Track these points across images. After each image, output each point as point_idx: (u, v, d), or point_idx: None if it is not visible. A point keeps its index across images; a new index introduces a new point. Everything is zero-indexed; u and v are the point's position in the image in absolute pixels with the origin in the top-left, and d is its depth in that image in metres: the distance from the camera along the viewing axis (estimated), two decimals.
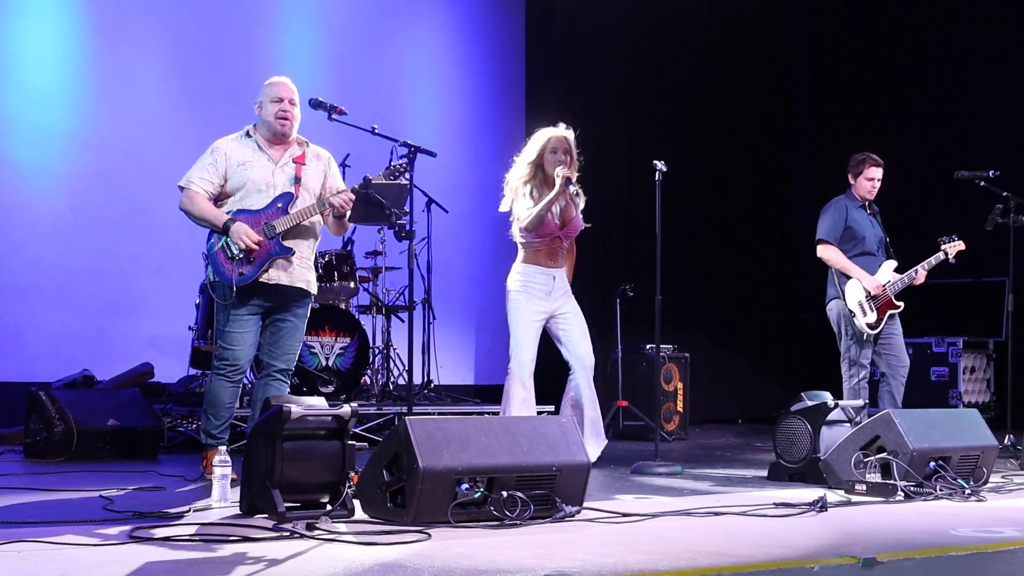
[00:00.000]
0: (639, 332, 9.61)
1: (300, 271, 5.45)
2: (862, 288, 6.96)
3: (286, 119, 5.40)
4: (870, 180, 7.09)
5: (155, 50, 9.31)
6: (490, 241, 10.98)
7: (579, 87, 11.11)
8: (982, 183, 7.19)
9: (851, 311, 6.94)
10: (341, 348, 7.91)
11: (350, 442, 4.30)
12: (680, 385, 8.88)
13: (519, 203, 5.97)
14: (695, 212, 11.13)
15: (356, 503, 4.29)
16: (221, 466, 4.58)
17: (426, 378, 8.75)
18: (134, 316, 9.00)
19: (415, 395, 8.41)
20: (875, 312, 6.96)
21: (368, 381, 8.35)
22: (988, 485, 5.35)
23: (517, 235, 6.04)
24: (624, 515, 4.32)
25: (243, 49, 9.69)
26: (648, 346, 8.93)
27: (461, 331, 10.52)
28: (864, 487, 4.97)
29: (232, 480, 4.64)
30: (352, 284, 8.08)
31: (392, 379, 8.49)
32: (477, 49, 11.26)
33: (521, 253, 6.05)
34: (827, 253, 7.09)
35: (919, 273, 6.97)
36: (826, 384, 11.43)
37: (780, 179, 12.26)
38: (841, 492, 5.06)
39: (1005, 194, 7.17)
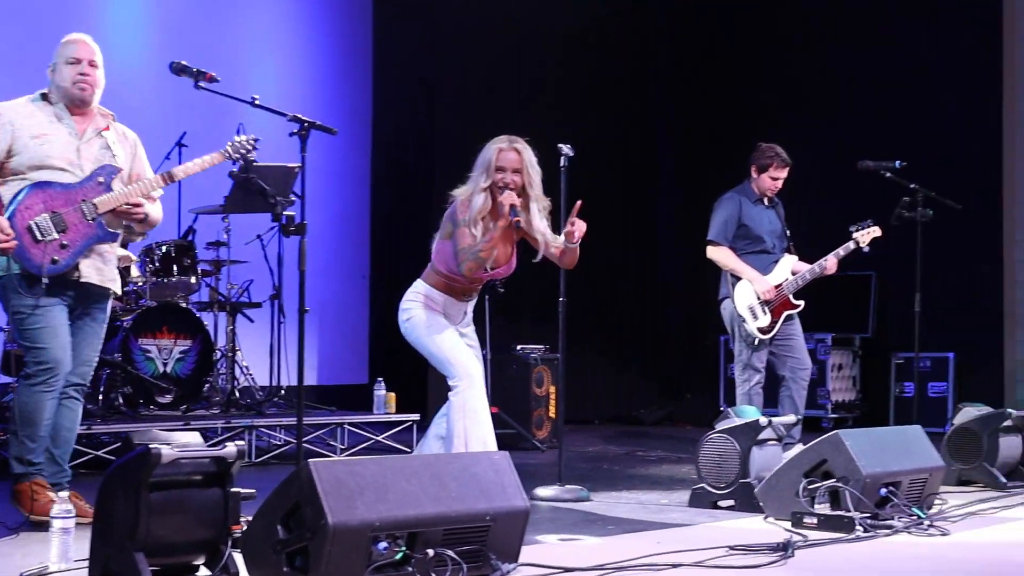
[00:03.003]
0: (504, 331, 8.92)
1: (111, 268, 4.68)
2: (753, 291, 6.50)
3: (86, 83, 4.58)
4: (774, 180, 6.62)
5: None
6: (332, 230, 10.16)
7: (435, 61, 10.38)
8: (887, 174, 6.76)
9: (741, 316, 6.49)
10: (181, 352, 7.00)
11: (234, 489, 3.45)
12: (552, 389, 8.19)
13: (458, 233, 4.87)
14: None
15: (239, 563, 3.45)
16: (62, 517, 3.65)
17: (275, 382, 7.86)
18: None
19: (263, 404, 7.54)
20: (768, 315, 6.53)
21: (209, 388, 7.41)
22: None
23: (437, 257, 5.00)
24: (567, 570, 3.61)
25: (61, 10, 8.56)
26: (519, 347, 8.26)
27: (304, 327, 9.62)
28: (815, 520, 4.38)
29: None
30: (193, 279, 7.18)
31: (236, 385, 7.57)
32: (320, 16, 10.42)
33: (433, 276, 4.98)
34: (716, 255, 6.65)
35: (829, 262, 6.51)
36: (688, 383, 11.23)
37: (644, 175, 11.76)
38: (786, 524, 4.48)
39: (913, 186, 6.75)
